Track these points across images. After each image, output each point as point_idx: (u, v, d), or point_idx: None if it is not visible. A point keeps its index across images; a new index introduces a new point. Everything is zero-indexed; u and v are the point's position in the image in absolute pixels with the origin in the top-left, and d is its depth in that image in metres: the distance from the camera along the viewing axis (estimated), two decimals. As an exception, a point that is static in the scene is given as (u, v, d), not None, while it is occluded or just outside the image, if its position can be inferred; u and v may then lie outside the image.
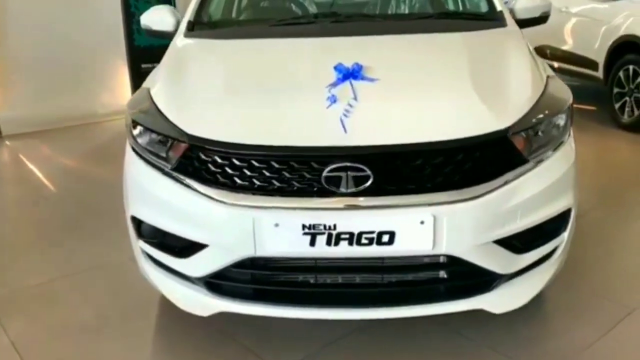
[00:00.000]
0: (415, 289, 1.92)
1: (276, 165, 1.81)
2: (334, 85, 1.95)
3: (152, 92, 2.15)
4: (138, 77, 6.04)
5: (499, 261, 1.90)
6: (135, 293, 2.59)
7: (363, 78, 1.97)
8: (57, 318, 2.46)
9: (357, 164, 1.75)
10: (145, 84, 2.35)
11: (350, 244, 1.80)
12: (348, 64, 2.02)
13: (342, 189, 1.78)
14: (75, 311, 2.52)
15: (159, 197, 1.99)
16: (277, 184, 1.82)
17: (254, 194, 1.83)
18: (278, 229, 1.80)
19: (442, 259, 1.86)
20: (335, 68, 2.02)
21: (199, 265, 1.95)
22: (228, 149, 1.83)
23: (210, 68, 2.24)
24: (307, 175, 1.79)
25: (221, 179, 1.86)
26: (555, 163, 1.98)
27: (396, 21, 2.63)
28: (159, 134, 1.97)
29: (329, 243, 1.80)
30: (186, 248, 1.98)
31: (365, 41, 2.35)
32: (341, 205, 1.78)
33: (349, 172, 1.76)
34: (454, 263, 1.86)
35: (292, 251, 1.84)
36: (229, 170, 1.84)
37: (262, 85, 2.09)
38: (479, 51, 2.29)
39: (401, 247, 1.80)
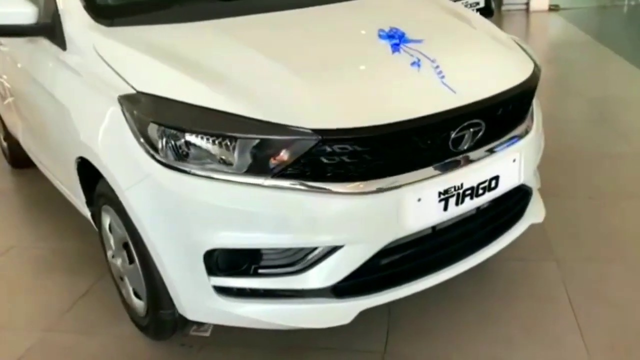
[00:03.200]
0: (499, 222, 2.11)
1: (413, 139, 1.73)
2: (396, 51, 1.92)
3: (191, 99, 1.70)
4: None
5: (534, 180, 2.23)
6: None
7: (410, 41, 1.98)
8: None
9: (477, 119, 1.82)
10: (126, 95, 1.81)
11: (472, 198, 1.88)
12: (385, 29, 2.00)
13: (462, 147, 1.83)
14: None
15: (260, 215, 1.67)
16: (412, 158, 1.74)
17: (389, 175, 1.72)
18: (420, 203, 1.75)
19: (512, 190, 2.08)
20: (380, 35, 1.98)
21: (332, 271, 1.73)
22: (367, 134, 1.65)
23: (246, 54, 1.86)
24: (437, 142, 1.77)
25: (354, 169, 1.68)
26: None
27: None
28: (270, 140, 1.62)
29: (457, 203, 1.84)
30: (308, 259, 1.73)
31: (348, 7, 2.30)
32: (467, 162, 1.83)
33: (471, 129, 1.82)
34: (519, 190, 2.11)
35: (430, 221, 1.82)
36: (366, 157, 1.67)
37: (329, 63, 1.87)
38: (448, 8, 2.49)
39: (502, 188, 1.96)
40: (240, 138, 1.64)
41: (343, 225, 1.69)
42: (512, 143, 1.97)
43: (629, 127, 4.14)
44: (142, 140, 1.74)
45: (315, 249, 1.72)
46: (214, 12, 2.15)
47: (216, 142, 1.66)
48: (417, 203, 1.74)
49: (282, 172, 1.65)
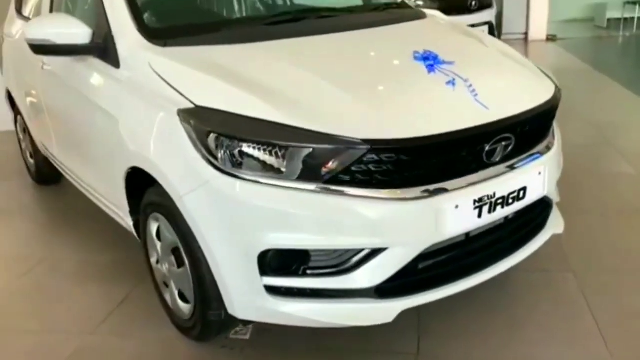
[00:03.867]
0: (525, 231, 2.25)
1: (453, 150, 1.88)
2: (432, 71, 2.08)
3: (248, 112, 1.85)
4: None
5: (555, 193, 2.39)
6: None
7: (443, 62, 2.14)
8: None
9: (508, 134, 1.98)
10: (186, 107, 1.96)
11: (502, 207, 2.02)
12: (419, 51, 2.17)
13: (494, 159, 1.98)
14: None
15: (311, 218, 1.81)
16: (450, 167, 1.89)
17: (429, 183, 1.86)
18: (458, 210, 1.89)
19: (536, 202, 2.22)
20: (415, 57, 2.14)
21: (376, 272, 1.87)
22: (412, 145, 1.80)
23: (294, 72, 2.04)
24: (473, 153, 1.93)
25: (398, 177, 1.82)
26: None
27: (361, 14, 2.76)
28: (323, 149, 1.78)
29: (489, 211, 1.98)
30: (354, 260, 1.86)
31: (380, 32, 2.47)
32: (499, 173, 1.98)
33: (503, 143, 1.97)
34: (541, 202, 2.26)
35: (466, 227, 1.96)
36: (410, 166, 1.82)
37: (371, 80, 2.03)
38: (466, 33, 2.68)
39: (529, 198, 2.11)
40: (295, 147, 1.79)
41: (387, 229, 1.83)
42: (538, 157, 2.13)
43: (630, 149, 4.32)
44: (201, 149, 1.88)
45: (361, 250, 1.85)
46: (261, 35, 2.32)
47: (272, 151, 1.81)
48: (455, 210, 1.88)
49: (332, 179, 1.80)
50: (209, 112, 1.92)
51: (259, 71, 2.06)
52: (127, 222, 2.58)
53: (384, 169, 1.81)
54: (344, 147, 1.77)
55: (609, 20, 10.73)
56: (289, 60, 2.13)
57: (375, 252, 1.85)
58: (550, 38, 9.61)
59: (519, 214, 2.18)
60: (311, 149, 1.79)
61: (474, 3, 6.70)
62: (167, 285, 2.37)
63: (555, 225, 2.42)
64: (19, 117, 4.24)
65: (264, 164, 1.82)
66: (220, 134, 1.85)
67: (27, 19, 3.71)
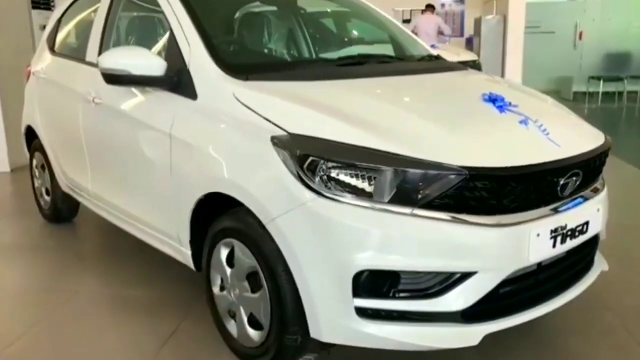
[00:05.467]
0: (581, 266, 2.38)
1: (538, 181, 2.02)
2: (503, 112, 2.25)
3: (342, 139, 1.96)
4: None
5: (604, 231, 2.54)
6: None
7: (510, 104, 2.32)
8: None
9: (578, 170, 2.14)
10: (281, 135, 2.05)
11: (571, 239, 2.15)
12: (486, 94, 2.34)
13: (566, 192, 2.13)
14: None
15: (408, 240, 1.90)
16: (534, 198, 2.02)
17: (515, 211, 1.99)
18: (539, 238, 2.01)
19: (590, 238, 2.36)
20: (484, 99, 2.31)
21: (466, 296, 1.94)
22: (508, 173, 1.93)
23: (379, 105, 2.20)
24: (551, 186, 2.07)
25: (489, 204, 1.94)
26: None
27: (413, 62, 2.97)
28: (424, 174, 1.88)
29: (562, 242, 2.11)
30: (444, 283, 1.94)
31: (439, 77, 2.65)
32: (570, 207, 2.13)
33: (574, 178, 2.13)
34: (593, 239, 2.40)
35: (544, 255, 2.07)
36: (502, 194, 1.94)
37: (453, 116, 2.18)
38: (509, 83, 2.89)
39: (590, 233, 2.25)
40: (395, 172, 1.89)
41: (479, 254, 1.92)
42: (596, 195, 2.30)
43: (625, 203, 4.58)
44: (298, 173, 1.96)
45: (453, 274, 1.94)
46: (336, 74, 2.47)
47: (370, 176, 1.90)
48: (537, 238, 2.00)
49: (428, 204, 1.90)
50: (304, 138, 2.02)
51: (348, 103, 2.18)
52: (184, 252, 2.59)
53: (477, 195, 1.92)
54: (444, 173, 1.88)
55: (575, 93, 11.44)
56: (373, 95, 2.27)
57: (465, 276, 1.93)
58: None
59: (576, 249, 2.31)
60: (410, 175, 1.89)
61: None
62: (231, 314, 2.38)
63: (601, 262, 2.56)
64: (36, 153, 4.22)
65: (361, 188, 1.91)
66: (320, 158, 1.93)
67: (64, 56, 3.78)
